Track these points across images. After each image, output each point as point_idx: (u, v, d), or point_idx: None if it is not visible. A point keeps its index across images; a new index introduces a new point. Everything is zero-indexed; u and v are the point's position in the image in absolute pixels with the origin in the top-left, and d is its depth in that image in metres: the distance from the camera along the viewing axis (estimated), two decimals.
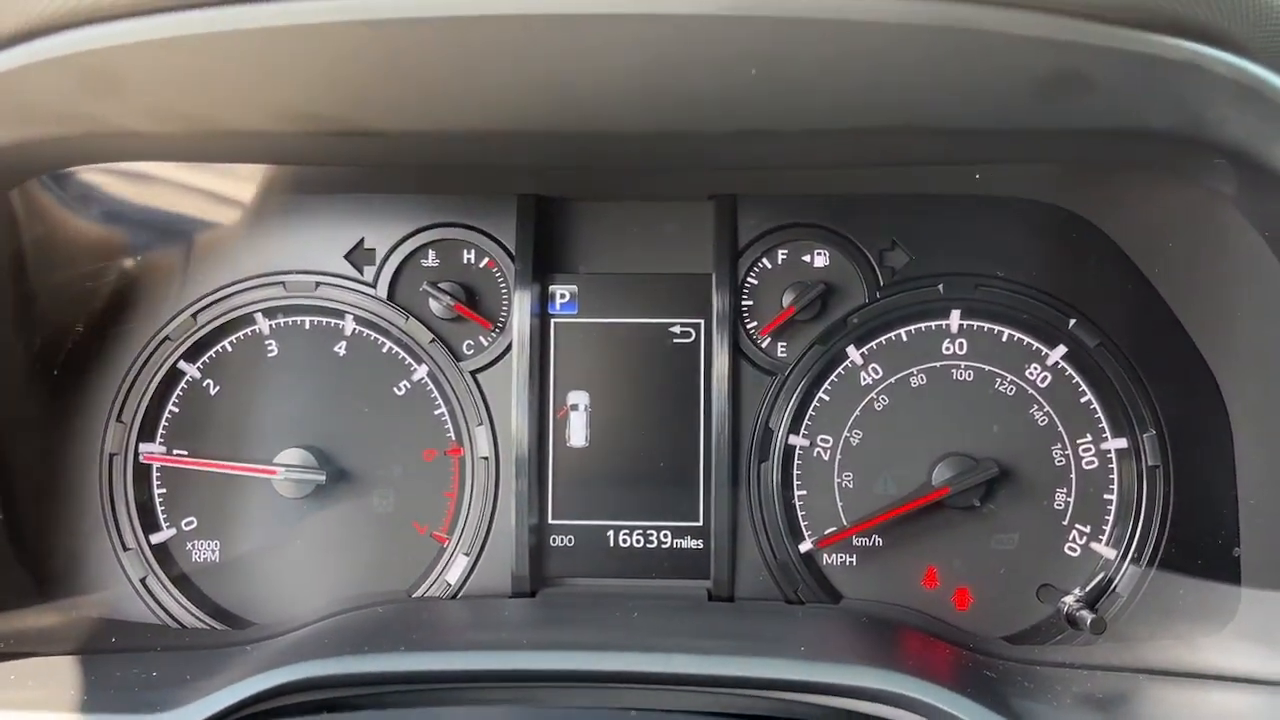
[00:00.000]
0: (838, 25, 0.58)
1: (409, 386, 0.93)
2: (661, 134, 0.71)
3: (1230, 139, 0.65)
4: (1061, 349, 0.90)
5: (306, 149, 0.79)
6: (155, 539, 0.91)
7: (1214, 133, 0.65)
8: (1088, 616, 0.83)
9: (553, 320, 0.93)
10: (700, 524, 0.92)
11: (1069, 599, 0.86)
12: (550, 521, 0.92)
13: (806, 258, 0.92)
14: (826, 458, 0.91)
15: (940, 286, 0.90)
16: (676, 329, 0.93)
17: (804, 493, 0.91)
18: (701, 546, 0.91)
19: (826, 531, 0.90)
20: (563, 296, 0.93)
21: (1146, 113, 0.65)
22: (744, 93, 0.65)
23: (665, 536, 0.92)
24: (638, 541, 0.93)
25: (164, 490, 0.92)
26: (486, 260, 0.93)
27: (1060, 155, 0.77)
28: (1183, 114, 0.64)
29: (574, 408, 0.93)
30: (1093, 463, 0.90)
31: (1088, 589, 0.87)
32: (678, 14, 0.55)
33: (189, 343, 0.92)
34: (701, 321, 0.92)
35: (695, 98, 0.65)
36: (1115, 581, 0.88)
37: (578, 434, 0.93)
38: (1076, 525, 0.89)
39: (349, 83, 0.65)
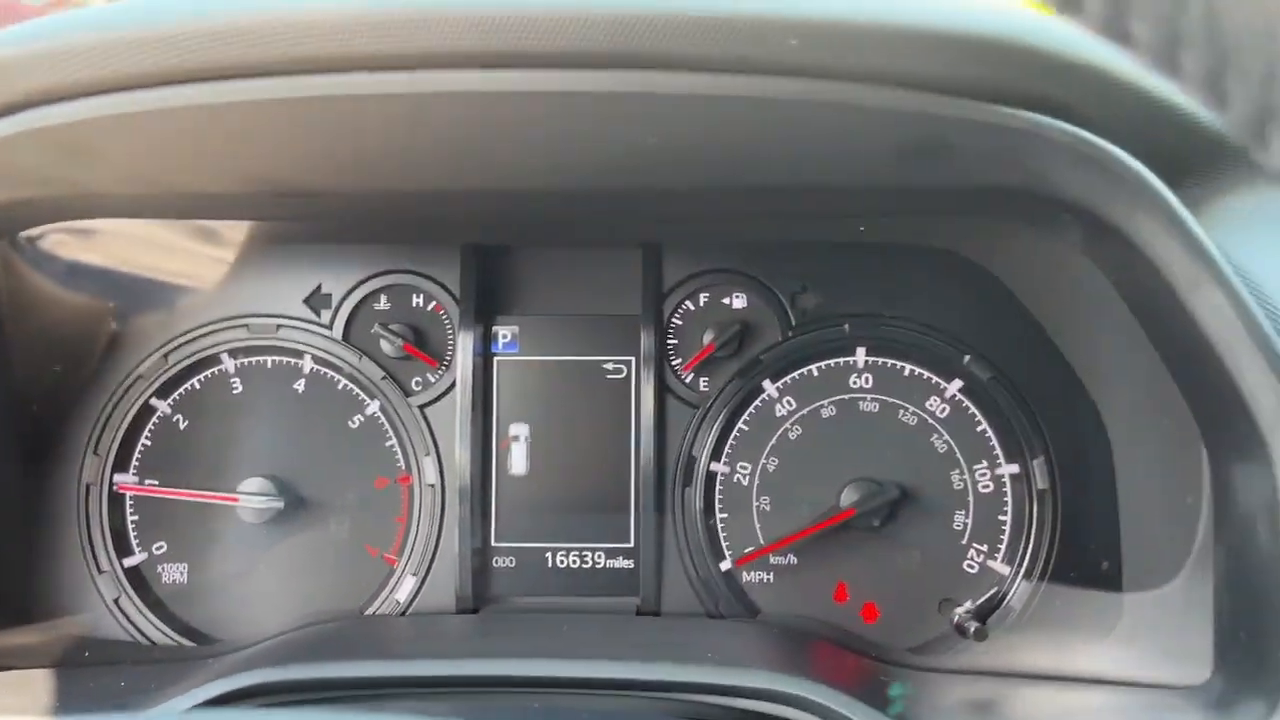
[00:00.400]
0: (711, 100, 0.67)
1: (362, 420, 1.01)
2: (572, 193, 0.80)
3: (1071, 197, 0.74)
4: (958, 383, 0.98)
5: (268, 206, 0.88)
6: (128, 562, 0.99)
7: (1058, 191, 0.74)
8: (972, 626, 0.91)
9: (495, 359, 1.01)
10: (631, 545, 1.00)
11: (959, 610, 0.94)
12: (493, 544, 1.00)
13: (726, 300, 1.01)
14: (746, 483, 0.99)
15: (846, 326, 0.99)
16: (609, 366, 1.01)
17: (725, 515, 0.99)
18: (632, 566, 0.99)
19: (745, 551, 0.98)
20: (505, 336, 1.02)
21: (998, 173, 0.74)
22: (642, 158, 0.74)
23: (599, 557, 1.00)
24: (574, 562, 1.00)
25: (136, 517, 1.00)
26: (434, 304, 1.01)
27: (934, 208, 0.86)
28: (1030, 174, 0.73)
29: (515, 439, 1.01)
30: (988, 487, 0.98)
31: (979, 601, 0.95)
32: (555, 92, 0.63)
33: (160, 381, 1.00)
34: (632, 359, 1.01)
35: (600, 161, 0.74)
36: (1009, 595, 0.96)
37: (519, 463, 1.01)
38: (974, 544, 0.98)
39: (291, 151, 0.74)
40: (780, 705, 0.79)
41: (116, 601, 0.98)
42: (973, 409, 0.98)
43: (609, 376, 1.01)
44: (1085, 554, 0.95)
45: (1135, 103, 0.73)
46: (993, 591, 0.96)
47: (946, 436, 0.98)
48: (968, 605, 0.94)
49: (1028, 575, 0.96)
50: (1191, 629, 0.85)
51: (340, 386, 1.01)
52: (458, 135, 0.70)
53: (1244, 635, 0.75)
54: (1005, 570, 0.96)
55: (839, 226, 0.98)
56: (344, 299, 1.01)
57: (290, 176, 0.78)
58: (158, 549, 1.00)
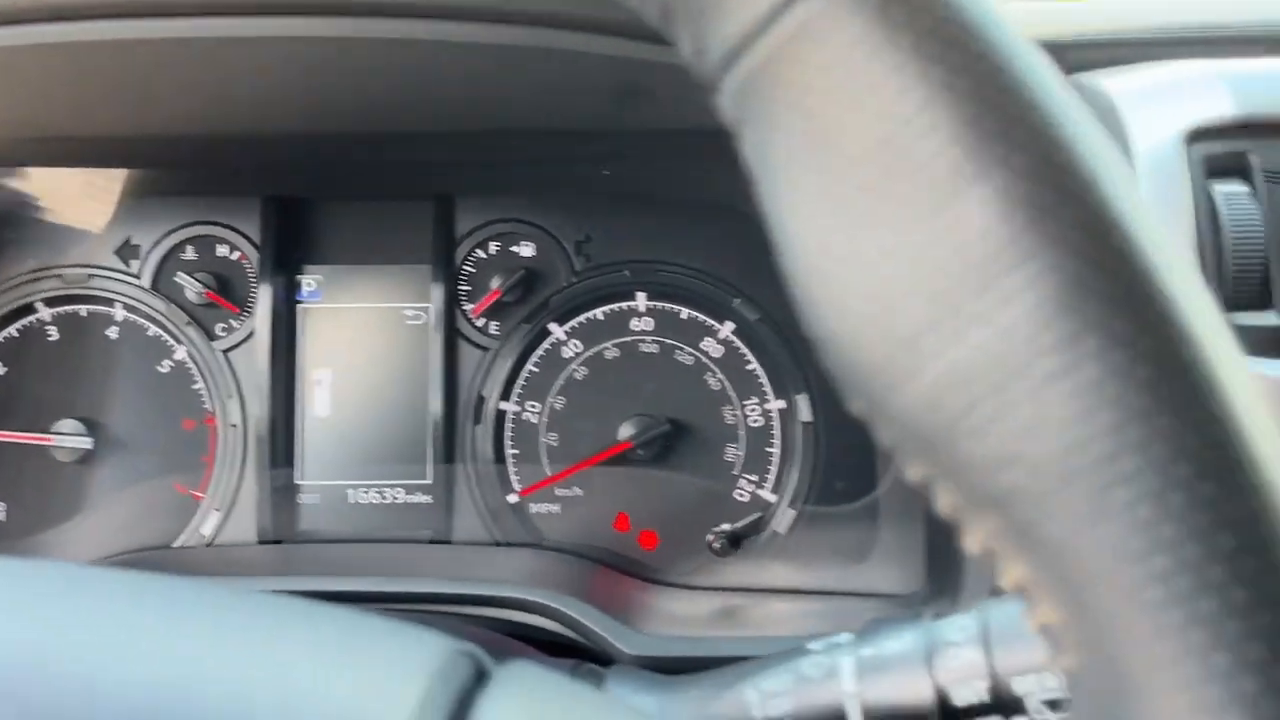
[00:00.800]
0: (435, 46, 0.73)
1: (171, 365, 1.06)
2: (333, 137, 0.86)
3: None
4: (730, 325, 1.05)
5: (75, 153, 0.94)
6: None
7: None
8: (718, 544, 0.98)
9: (300, 306, 1.07)
10: (428, 482, 1.06)
11: (714, 532, 1.01)
12: (297, 482, 1.06)
13: (515, 248, 1.07)
14: (534, 420, 1.06)
15: (626, 272, 1.05)
16: (409, 312, 1.07)
17: (515, 451, 1.05)
18: (429, 501, 1.05)
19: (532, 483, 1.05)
20: (309, 285, 1.07)
21: (704, 115, 0.80)
22: (384, 98, 0.80)
23: (399, 493, 1.06)
24: (375, 498, 1.06)
25: None
26: (238, 254, 1.07)
27: (664, 149, 0.93)
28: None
29: (319, 383, 1.07)
30: (758, 421, 1.05)
31: (740, 525, 1.02)
32: (270, 37, 0.69)
33: None
34: (429, 305, 1.07)
35: (341, 106, 0.80)
36: (775, 521, 1.03)
37: (322, 406, 1.07)
38: (745, 474, 1.04)
39: (73, 94, 0.80)
40: (537, 615, 0.86)
41: None
42: (743, 349, 1.05)
43: (408, 323, 1.07)
44: (846, 483, 1.02)
45: None
46: (756, 517, 1.03)
47: (720, 375, 1.05)
48: (724, 528, 1.01)
49: (792, 503, 1.03)
50: (921, 547, 0.93)
51: (150, 333, 1.06)
52: (193, 79, 0.76)
53: (942, 548, 0.82)
54: (772, 498, 1.03)
55: (627, 177, 1.05)
56: (152, 249, 1.06)
57: (61, 122, 0.83)
58: None
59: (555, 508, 1.05)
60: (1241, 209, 0.71)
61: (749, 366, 1.05)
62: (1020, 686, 0.52)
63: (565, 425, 1.06)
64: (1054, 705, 0.52)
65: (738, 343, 1.05)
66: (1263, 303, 0.70)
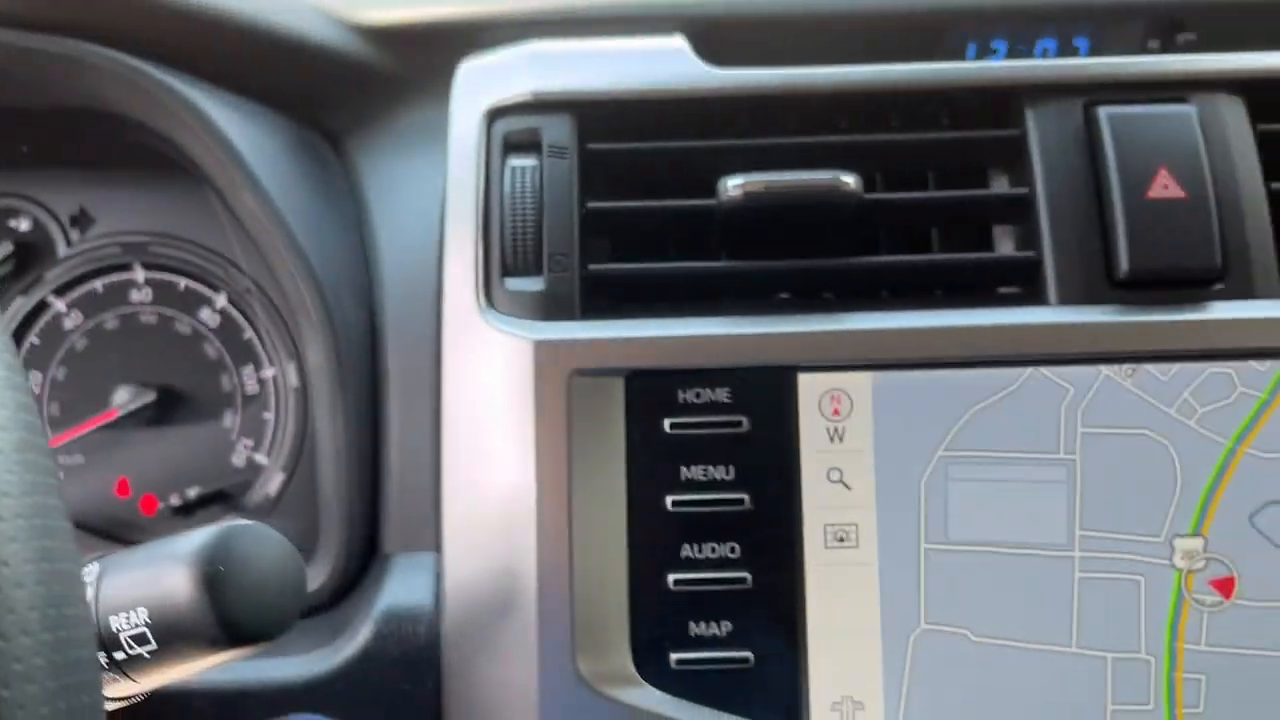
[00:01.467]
0: None
1: None
2: None
3: (130, 115, 0.84)
4: (225, 295, 1.09)
5: None
6: None
7: (116, 109, 0.83)
8: (184, 504, 1.03)
9: None
10: None
11: (174, 496, 1.05)
12: None
13: (12, 222, 1.09)
14: (36, 392, 1.08)
15: (122, 244, 1.08)
16: None
17: None
18: None
19: None
20: None
21: (59, 94, 0.83)
22: None
23: None
24: None
25: None
26: None
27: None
28: (85, 95, 0.83)
29: None
30: (255, 389, 1.09)
31: (227, 487, 1.07)
32: None
33: None
34: None
35: None
36: (268, 483, 1.07)
37: None
38: (243, 439, 1.09)
39: None
40: None
41: None
42: (238, 318, 1.08)
43: None
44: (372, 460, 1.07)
45: (197, 29, 0.83)
46: (245, 480, 1.07)
47: (217, 344, 1.08)
48: (196, 491, 1.05)
49: (284, 468, 1.07)
50: None
51: None
52: None
53: None
54: (265, 461, 1.08)
55: (110, 151, 1.07)
56: None
57: None
58: None
59: (60, 476, 1.08)
60: (521, 181, 0.77)
61: (244, 335, 1.09)
62: (115, 624, 0.57)
63: (66, 396, 1.08)
64: (139, 640, 0.57)
65: (233, 312, 1.09)
66: (535, 269, 0.76)
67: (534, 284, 0.76)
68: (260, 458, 1.08)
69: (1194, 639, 0.74)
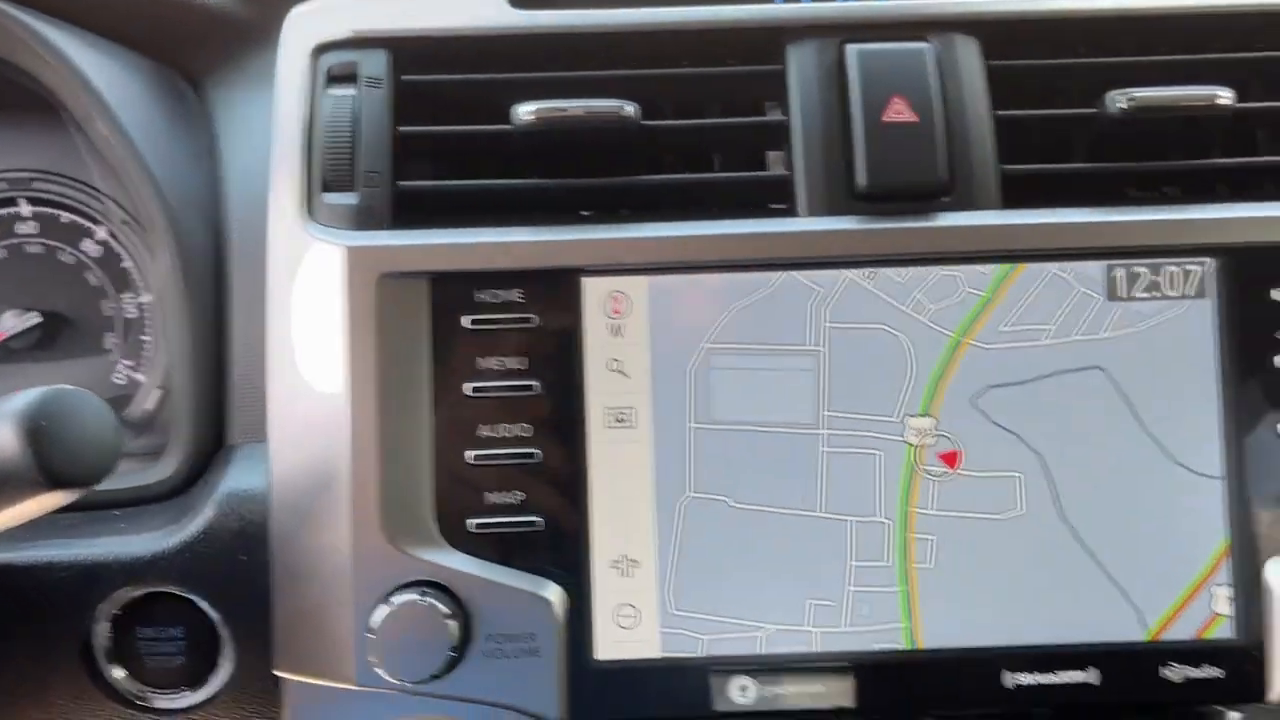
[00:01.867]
0: None
1: None
2: None
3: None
4: (106, 227, 1.18)
5: None
6: None
7: None
8: None
9: None
10: None
11: None
12: None
13: None
14: None
15: (4, 182, 1.17)
16: None
17: None
18: None
19: None
20: None
21: None
22: None
23: None
24: None
25: None
26: None
27: None
28: None
29: None
30: (134, 313, 1.18)
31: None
32: None
33: None
34: None
35: None
36: (146, 399, 1.17)
37: None
38: (123, 360, 1.18)
39: None
40: None
41: None
42: (118, 249, 1.18)
43: None
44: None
45: None
46: (126, 395, 1.17)
47: (99, 272, 1.18)
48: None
49: (160, 384, 1.17)
50: None
51: None
52: None
53: None
54: (142, 379, 1.17)
55: None
56: None
57: None
58: None
59: None
60: (340, 108, 0.86)
61: (123, 264, 1.18)
62: None
63: None
64: None
65: (113, 243, 1.18)
66: (348, 185, 0.86)
67: (349, 199, 0.86)
68: (139, 376, 1.17)
69: (924, 505, 0.85)
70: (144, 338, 1.18)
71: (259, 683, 0.89)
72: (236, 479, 0.91)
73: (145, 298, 1.17)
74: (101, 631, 0.90)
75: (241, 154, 1.00)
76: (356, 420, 0.83)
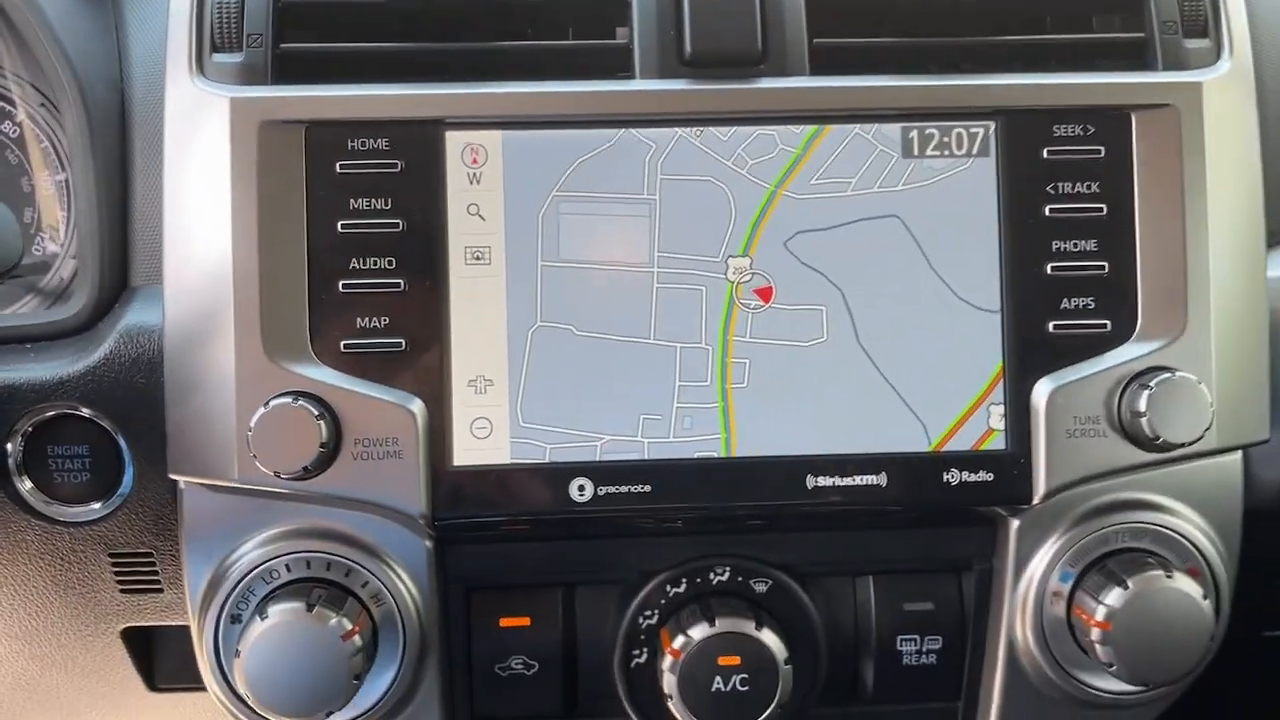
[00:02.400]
0: None
1: None
2: None
3: None
4: (25, 107, 1.27)
5: None
6: None
7: None
8: None
9: None
10: None
11: None
12: None
13: None
14: None
15: None
16: None
17: None
18: None
19: None
20: None
21: None
22: None
23: None
24: None
25: None
26: None
27: None
28: None
29: None
30: (50, 189, 1.28)
31: (25, 271, 1.26)
32: None
33: None
34: None
35: None
36: (62, 269, 1.27)
37: None
38: (40, 233, 1.28)
39: None
40: None
41: None
42: (37, 131, 1.27)
43: None
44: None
45: None
46: (45, 264, 1.27)
47: (18, 151, 1.27)
48: None
49: (75, 255, 1.27)
50: None
51: None
52: None
53: None
54: (59, 250, 1.27)
55: None
56: None
57: None
58: None
59: None
60: None
61: (42, 144, 1.27)
62: None
63: None
64: None
65: (31, 125, 1.27)
66: (236, 48, 0.97)
67: (235, 58, 0.97)
68: (54, 248, 1.27)
69: (741, 333, 0.98)
70: (61, 213, 1.28)
71: (157, 494, 1.00)
72: (137, 314, 1.01)
73: (61, 175, 1.27)
74: (15, 448, 1.01)
75: (143, 27, 1.10)
76: (238, 250, 0.94)
